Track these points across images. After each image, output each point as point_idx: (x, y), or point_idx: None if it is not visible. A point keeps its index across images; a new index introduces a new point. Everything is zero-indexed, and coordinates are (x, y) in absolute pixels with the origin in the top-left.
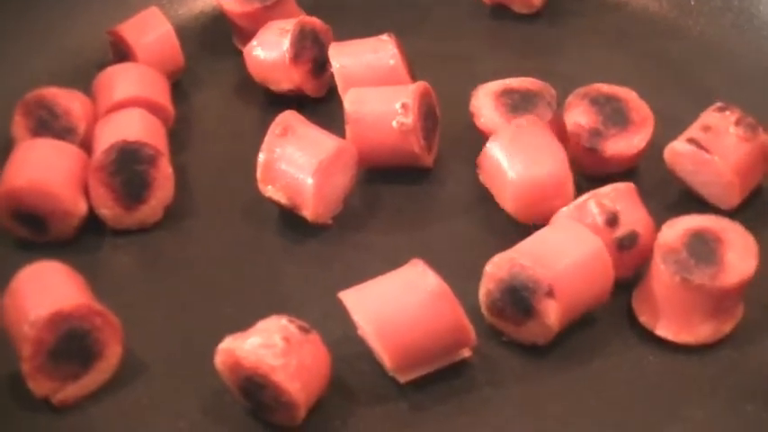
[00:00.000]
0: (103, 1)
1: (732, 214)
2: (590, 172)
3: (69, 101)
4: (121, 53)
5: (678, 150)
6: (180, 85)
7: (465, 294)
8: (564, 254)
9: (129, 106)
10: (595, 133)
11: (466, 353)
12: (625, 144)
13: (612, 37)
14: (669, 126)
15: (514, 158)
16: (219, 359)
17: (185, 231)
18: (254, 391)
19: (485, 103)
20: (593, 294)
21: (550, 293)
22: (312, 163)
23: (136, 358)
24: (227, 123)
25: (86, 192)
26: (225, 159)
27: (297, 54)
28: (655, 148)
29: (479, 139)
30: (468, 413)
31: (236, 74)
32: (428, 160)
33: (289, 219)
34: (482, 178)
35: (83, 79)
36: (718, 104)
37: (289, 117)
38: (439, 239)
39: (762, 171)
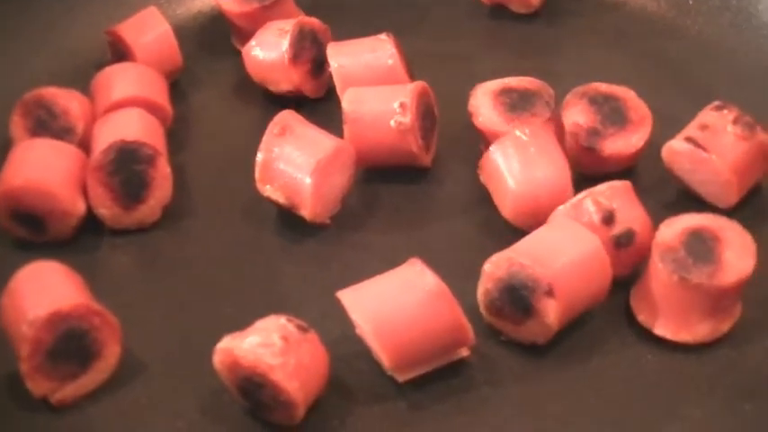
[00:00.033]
0: (102, 1)
1: (730, 213)
2: (588, 171)
3: (68, 101)
4: (120, 53)
5: (676, 149)
6: (178, 84)
7: (463, 293)
8: (562, 253)
9: (127, 106)
10: (593, 132)
11: (464, 352)
12: (623, 143)
13: (611, 36)
14: (667, 125)
15: (517, 168)
16: (218, 358)
17: (184, 231)
18: (253, 390)
19: (483, 102)
20: (591, 293)
21: (550, 292)
22: (310, 162)
23: (134, 358)
24: (226, 123)
25: (85, 191)
26: (223, 159)
27: (296, 55)
28: (653, 147)
29: (478, 138)
30: (467, 412)
31: (234, 74)
32: (426, 160)
33: (287, 218)
34: (483, 179)
35: (81, 79)
36: (716, 103)
37: (287, 117)
38: (437, 239)
39: (760, 170)
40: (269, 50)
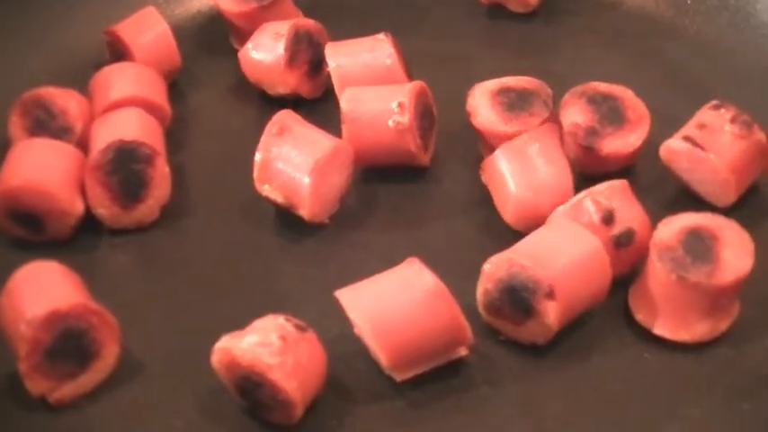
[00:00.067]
0: (100, 1)
1: (728, 212)
2: (586, 170)
3: (66, 100)
4: (118, 53)
5: (674, 148)
6: (177, 84)
7: (462, 293)
8: (562, 253)
9: (125, 106)
10: (592, 132)
11: (462, 351)
12: (621, 142)
13: (609, 36)
14: (665, 124)
15: (519, 174)
16: (216, 358)
17: (182, 231)
18: (251, 389)
19: (481, 101)
20: (591, 293)
21: (551, 294)
22: (309, 162)
23: (133, 357)
24: (224, 123)
25: (83, 191)
26: (222, 159)
27: (292, 58)
28: (651, 146)
29: (476, 138)
30: (466, 412)
31: (232, 73)
32: (425, 159)
33: (285, 218)
34: (484, 179)
35: (80, 79)
36: (714, 102)
37: (285, 116)
38: (435, 238)
39: (757, 168)
40: (265, 54)
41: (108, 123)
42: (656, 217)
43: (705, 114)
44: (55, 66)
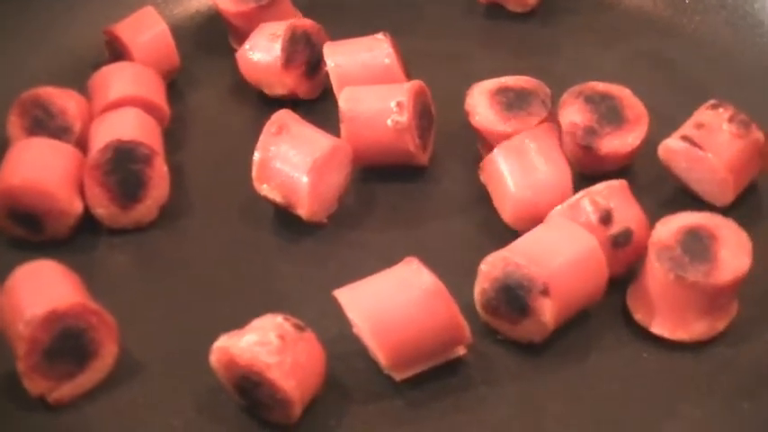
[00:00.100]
0: (99, 0)
1: (726, 211)
2: (585, 170)
3: (65, 100)
4: (117, 52)
5: (672, 148)
6: (175, 84)
7: (460, 292)
8: (558, 252)
9: (124, 105)
10: (590, 131)
11: (461, 351)
12: (620, 142)
13: (607, 35)
14: (663, 124)
15: (519, 174)
16: (215, 357)
17: (181, 230)
18: (250, 389)
19: (480, 101)
20: (587, 292)
21: (545, 292)
22: (307, 161)
23: (131, 357)
24: (223, 122)
25: (82, 191)
26: (220, 158)
27: (289, 59)
28: (649, 145)
29: (474, 137)
30: (464, 411)
31: (231, 73)
32: (423, 159)
33: (284, 217)
34: (483, 179)
35: (78, 78)
36: (712, 102)
37: (284, 116)
38: (434, 238)
39: (755, 168)
40: (262, 55)
41: (107, 123)
42: (654, 216)
43: (703, 114)
44: (54, 65)
